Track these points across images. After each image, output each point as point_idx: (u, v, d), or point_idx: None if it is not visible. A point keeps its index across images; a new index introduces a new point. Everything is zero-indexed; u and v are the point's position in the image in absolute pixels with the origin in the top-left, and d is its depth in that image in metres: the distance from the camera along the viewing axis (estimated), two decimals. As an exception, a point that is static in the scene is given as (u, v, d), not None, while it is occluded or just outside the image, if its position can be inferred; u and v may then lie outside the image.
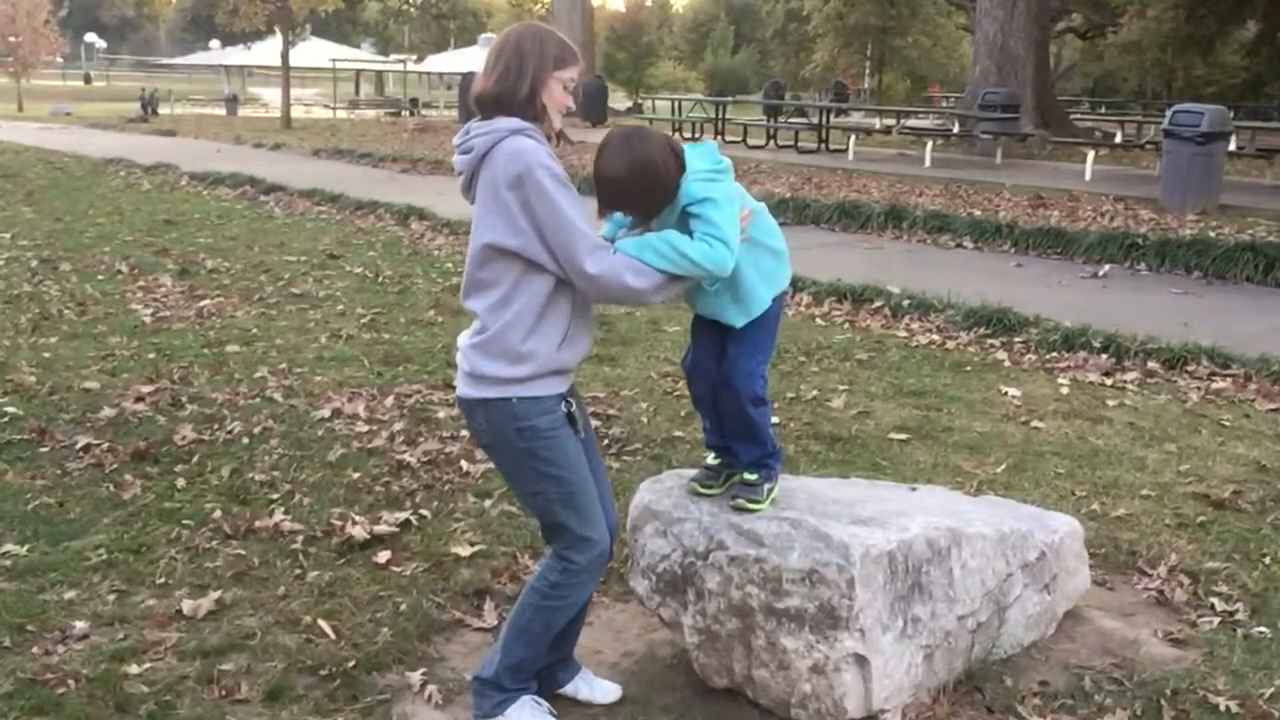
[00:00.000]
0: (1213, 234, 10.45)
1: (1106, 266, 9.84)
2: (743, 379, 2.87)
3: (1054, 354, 6.84)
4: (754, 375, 2.88)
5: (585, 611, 3.06)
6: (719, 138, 22.90)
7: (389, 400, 5.64)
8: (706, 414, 3.05)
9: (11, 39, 41.29)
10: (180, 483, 4.53)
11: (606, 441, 5.07)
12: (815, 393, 5.93)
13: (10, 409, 5.38)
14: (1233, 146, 14.99)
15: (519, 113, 2.63)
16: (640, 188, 2.62)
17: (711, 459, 3.10)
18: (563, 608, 2.81)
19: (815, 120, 22.44)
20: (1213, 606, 3.59)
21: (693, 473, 3.15)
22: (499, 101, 2.64)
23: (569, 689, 3.06)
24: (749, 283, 2.79)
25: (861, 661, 2.76)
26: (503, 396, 2.65)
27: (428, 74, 53.51)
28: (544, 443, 2.69)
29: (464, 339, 2.73)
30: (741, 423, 2.92)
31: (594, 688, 3.07)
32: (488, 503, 4.37)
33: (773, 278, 2.86)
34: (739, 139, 22.13)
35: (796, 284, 8.63)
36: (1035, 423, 5.50)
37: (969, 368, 6.59)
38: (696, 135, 23.40)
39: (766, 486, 2.98)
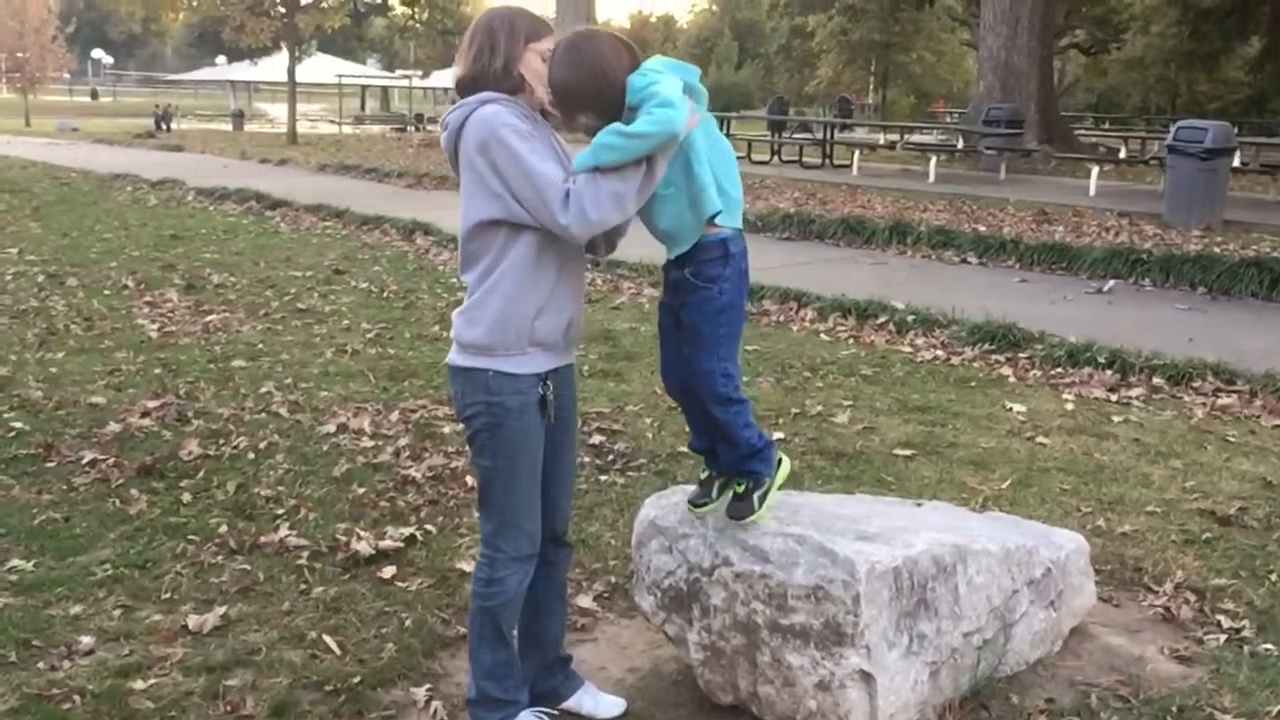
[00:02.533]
0: (1217, 250, 10.46)
1: (1111, 282, 9.85)
2: (702, 379, 2.75)
3: (1059, 370, 6.84)
4: (713, 375, 2.73)
5: (559, 608, 3.04)
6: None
7: (394, 415, 5.65)
8: (686, 416, 2.97)
9: (19, 54, 41.51)
10: (186, 498, 4.54)
11: (611, 457, 5.08)
12: (820, 408, 5.93)
13: (17, 424, 5.39)
14: (1237, 162, 15.02)
15: (495, 87, 2.68)
16: (594, 91, 2.57)
17: (703, 471, 3.01)
18: (502, 602, 2.79)
19: (819, 136, 22.51)
20: (1219, 624, 3.58)
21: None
22: (476, 80, 2.69)
23: (572, 703, 3.05)
24: (703, 179, 2.60)
25: (867, 678, 2.75)
26: (480, 367, 2.68)
27: (433, 89, 53.70)
28: (506, 422, 2.69)
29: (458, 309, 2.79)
30: (712, 425, 2.82)
31: (598, 702, 3.07)
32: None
33: (728, 196, 2.64)
34: (744, 154, 22.17)
35: (801, 299, 8.66)
36: (1040, 439, 5.50)
37: (974, 383, 6.59)
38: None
39: (756, 496, 2.85)
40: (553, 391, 2.74)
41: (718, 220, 2.62)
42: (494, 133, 2.57)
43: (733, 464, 2.88)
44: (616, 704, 3.07)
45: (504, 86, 2.68)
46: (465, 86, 2.70)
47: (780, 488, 2.94)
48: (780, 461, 2.92)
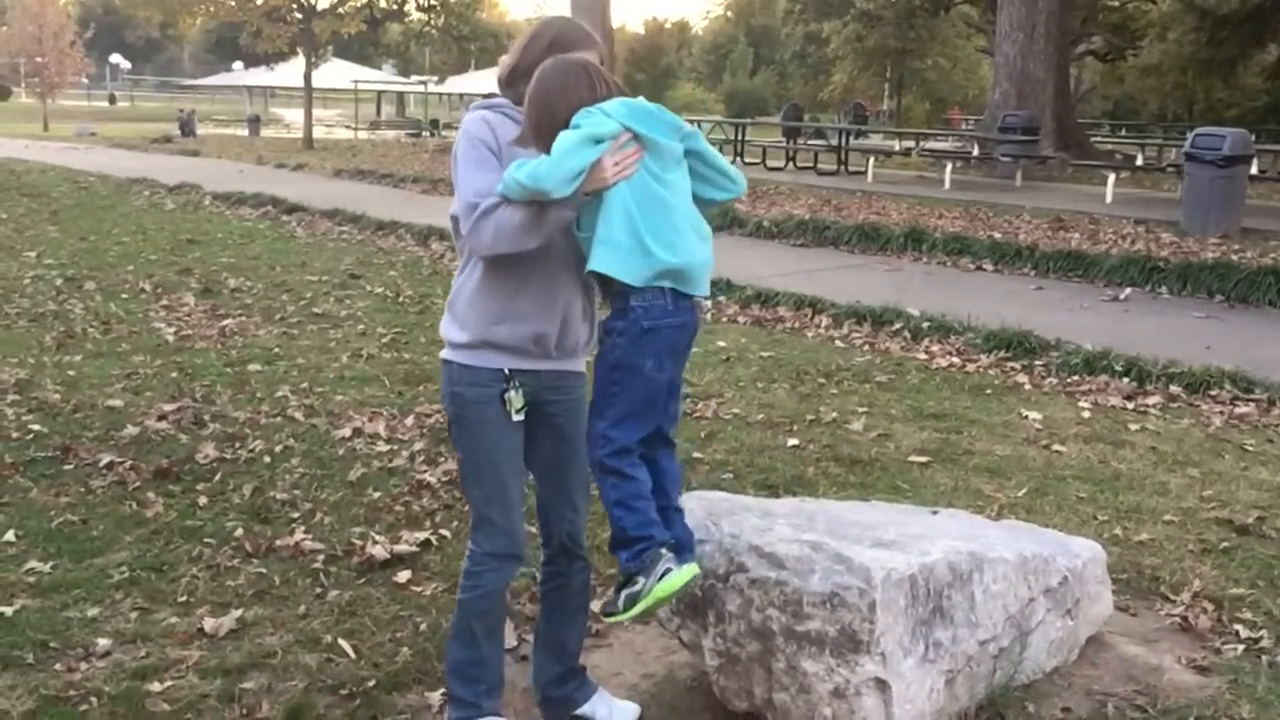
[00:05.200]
0: (1235, 258, 10.41)
1: (1128, 290, 9.81)
2: (590, 441, 2.60)
3: (1075, 377, 6.82)
4: (593, 434, 2.57)
5: (578, 620, 3.04)
6: (738, 159, 22.97)
7: (409, 420, 5.66)
8: None
9: (38, 59, 41.79)
10: (202, 501, 4.55)
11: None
12: (835, 415, 5.92)
13: (35, 426, 5.42)
14: (1254, 170, 14.96)
15: (513, 91, 2.71)
16: (536, 120, 2.54)
17: None
18: (475, 597, 2.81)
19: (834, 142, 22.47)
20: (1237, 633, 3.56)
21: (713, 494, 3.14)
22: (500, 82, 2.77)
23: (586, 709, 3.05)
24: (601, 232, 2.48)
25: (882, 686, 2.74)
26: (448, 359, 2.76)
27: (449, 95, 53.84)
28: (466, 413, 2.75)
29: None
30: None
31: (612, 709, 3.06)
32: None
33: (648, 254, 2.47)
34: (758, 160, 22.17)
35: (816, 305, 8.65)
36: (1056, 446, 5.48)
37: (989, 391, 6.57)
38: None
39: (625, 594, 2.54)
40: (520, 392, 2.72)
41: (614, 276, 2.48)
42: (460, 137, 2.69)
43: (610, 547, 2.66)
44: (630, 711, 3.07)
45: (519, 91, 2.68)
46: (499, 84, 2.77)
47: (676, 593, 2.57)
48: (667, 572, 2.52)
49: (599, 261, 2.48)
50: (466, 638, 2.84)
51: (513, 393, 2.71)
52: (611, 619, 2.65)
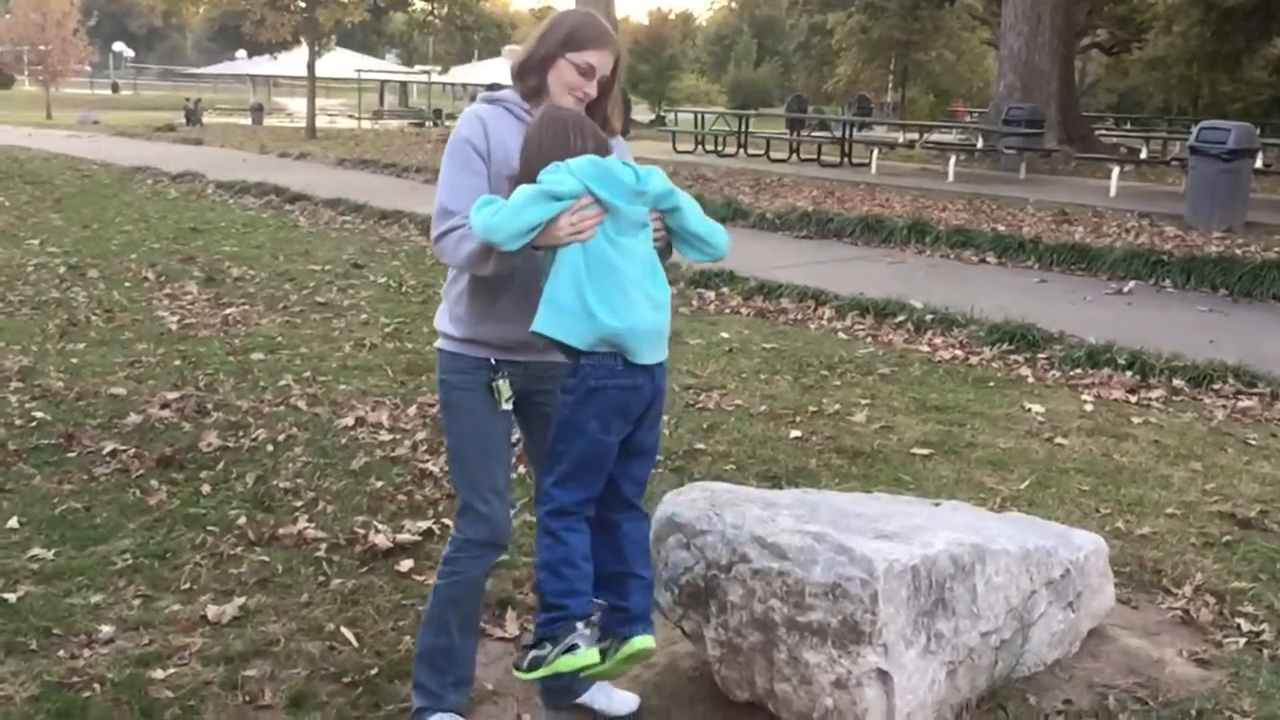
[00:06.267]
0: (1239, 251, 10.40)
1: (1131, 283, 9.79)
2: (536, 496, 2.64)
3: (1078, 370, 6.81)
4: (541, 494, 2.58)
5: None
6: (742, 150, 22.94)
7: (412, 410, 5.67)
8: None
9: (41, 47, 41.76)
10: (205, 489, 4.56)
11: (628, 453, 5.08)
12: (837, 407, 5.92)
13: (38, 414, 5.43)
14: (1259, 164, 14.92)
15: (523, 83, 2.70)
16: (523, 168, 2.54)
17: None
18: (452, 584, 2.82)
19: (838, 134, 22.44)
20: (1239, 627, 3.56)
21: (716, 484, 3.14)
22: (511, 73, 2.75)
23: (586, 699, 3.06)
24: (547, 291, 2.47)
25: (884, 677, 2.75)
26: (440, 348, 2.81)
27: (452, 85, 53.78)
28: (450, 398, 2.78)
29: None
30: None
31: (611, 698, 3.06)
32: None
33: (590, 317, 2.43)
34: (762, 152, 22.14)
35: (819, 297, 8.64)
36: (1059, 439, 5.48)
37: (992, 383, 6.56)
38: (719, 148, 23.43)
39: (530, 655, 2.51)
40: (508, 382, 2.71)
41: (556, 339, 2.46)
42: (453, 134, 2.69)
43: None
44: (630, 701, 3.07)
45: (528, 84, 2.69)
46: (511, 75, 2.75)
47: (581, 672, 2.53)
48: (573, 648, 2.47)
49: (542, 323, 2.47)
50: (439, 625, 2.85)
51: (501, 382, 2.71)
52: (516, 673, 2.60)
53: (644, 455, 2.64)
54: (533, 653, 2.52)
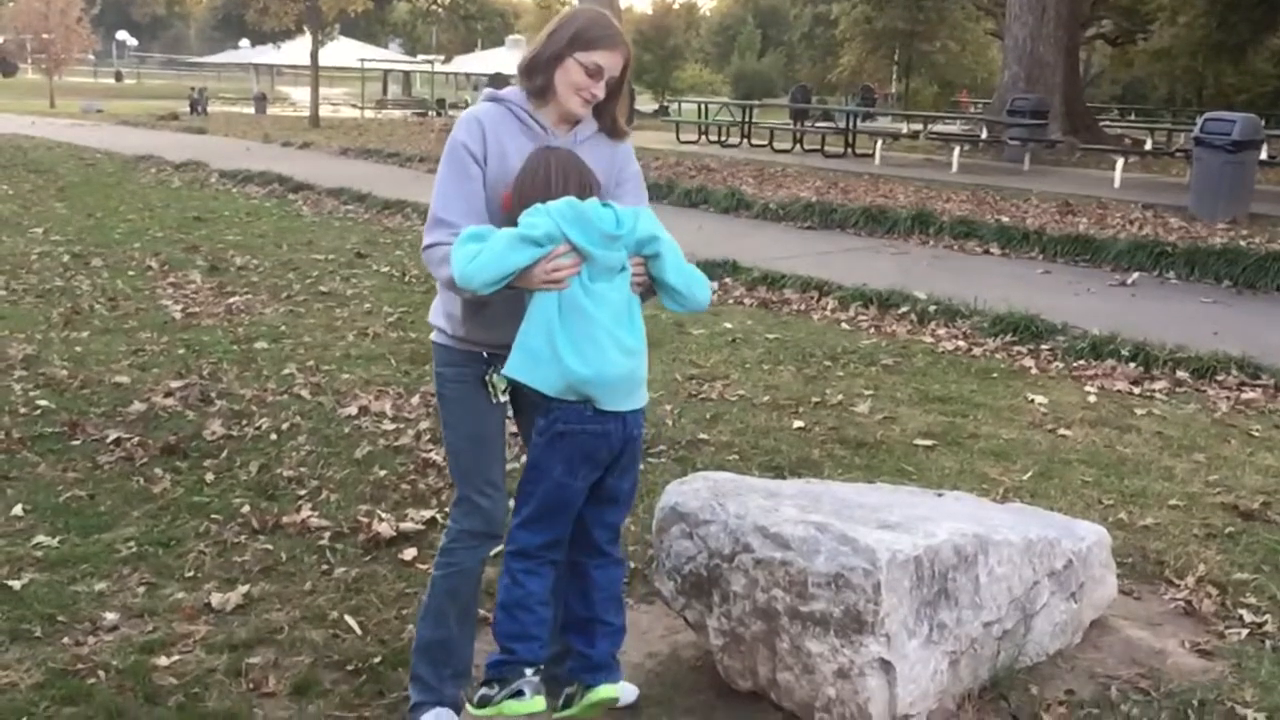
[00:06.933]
0: (1243, 243, 10.37)
1: (1135, 274, 9.78)
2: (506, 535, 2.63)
3: (1081, 362, 6.81)
4: (509, 534, 2.60)
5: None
6: (745, 141, 22.89)
7: (415, 399, 5.67)
8: None
9: (44, 36, 41.73)
10: (209, 478, 4.57)
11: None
12: (841, 397, 5.92)
13: (43, 402, 5.44)
14: (1264, 155, 14.87)
15: (529, 82, 2.66)
16: (512, 209, 2.54)
17: None
18: (448, 575, 2.83)
19: (842, 125, 22.38)
20: (1241, 618, 3.57)
21: (719, 474, 3.15)
22: (518, 70, 2.71)
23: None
24: (518, 337, 2.49)
25: (887, 667, 2.75)
26: (435, 340, 2.81)
27: (455, 74, 53.68)
28: (447, 392, 2.78)
29: None
30: None
31: None
32: (512, 502, 4.38)
33: (558, 363, 2.43)
34: (765, 142, 22.11)
35: (822, 288, 8.64)
36: (1062, 431, 5.48)
37: (995, 374, 6.56)
38: (723, 138, 23.39)
39: (479, 694, 2.52)
40: (503, 375, 2.67)
41: (526, 383, 2.47)
42: (451, 136, 2.67)
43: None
44: (630, 691, 3.04)
45: (535, 84, 2.65)
46: (518, 72, 2.71)
47: (524, 715, 2.51)
48: (519, 693, 2.49)
49: (513, 367, 2.48)
50: (436, 617, 2.85)
51: (495, 376, 2.71)
52: (469, 706, 2.61)
53: (616, 503, 2.63)
54: (481, 689, 2.53)
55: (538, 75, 2.64)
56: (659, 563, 3.16)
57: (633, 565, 3.84)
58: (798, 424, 5.45)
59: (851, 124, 21.92)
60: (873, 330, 7.66)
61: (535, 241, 2.40)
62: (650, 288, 2.57)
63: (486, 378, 2.71)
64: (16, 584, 3.57)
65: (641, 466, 4.74)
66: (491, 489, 2.80)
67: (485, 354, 2.70)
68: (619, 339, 2.47)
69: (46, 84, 40.69)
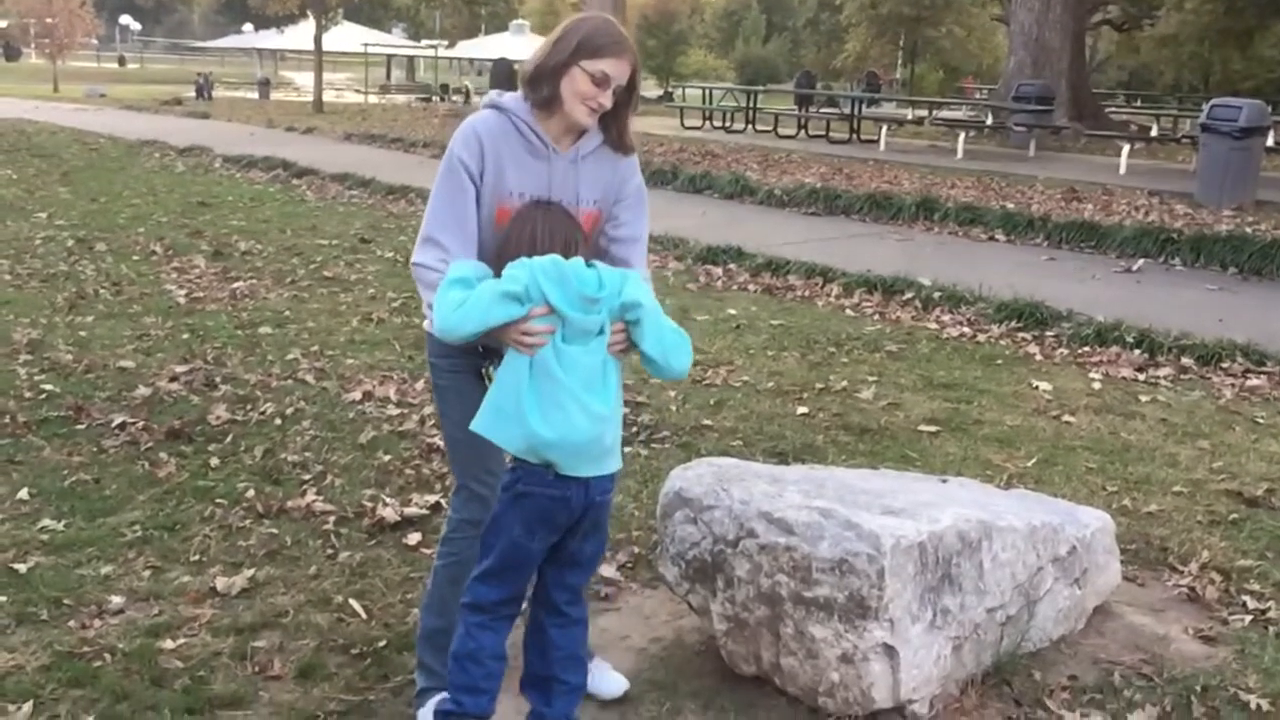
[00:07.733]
0: (1249, 230, 10.35)
1: (1140, 261, 9.76)
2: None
3: (1086, 348, 6.80)
4: (468, 584, 2.61)
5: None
6: (750, 126, 22.84)
7: (419, 384, 5.67)
8: None
9: (48, 20, 41.68)
10: (214, 462, 4.58)
11: (635, 429, 5.08)
12: (845, 384, 5.92)
13: (48, 386, 5.45)
14: (1271, 142, 14.83)
15: (534, 90, 2.62)
16: (500, 249, 2.56)
17: None
18: (450, 564, 2.83)
19: (847, 110, 22.36)
20: (1244, 604, 3.57)
21: (723, 460, 3.14)
22: (521, 79, 2.67)
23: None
24: (488, 396, 2.49)
25: (890, 652, 2.76)
26: (427, 330, 2.79)
27: (458, 60, 53.57)
28: (443, 383, 2.79)
29: None
30: None
31: (600, 680, 2.98)
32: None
33: (523, 426, 2.42)
34: (770, 128, 22.07)
35: (826, 274, 8.63)
36: (1066, 417, 5.47)
37: (1000, 361, 6.56)
38: (727, 124, 23.33)
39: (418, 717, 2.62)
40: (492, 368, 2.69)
41: (492, 440, 2.48)
42: (449, 149, 2.65)
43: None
44: (619, 684, 2.99)
45: (540, 94, 2.61)
46: (521, 82, 2.67)
47: None
48: None
49: (480, 423, 2.47)
50: (439, 606, 2.84)
51: (492, 369, 2.69)
52: None
53: (577, 566, 2.62)
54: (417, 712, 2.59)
55: (543, 85, 2.59)
56: (663, 548, 3.17)
57: (636, 550, 3.85)
58: (802, 410, 5.45)
59: (856, 110, 21.90)
60: (877, 316, 7.66)
61: (515, 297, 2.40)
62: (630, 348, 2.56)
63: (484, 371, 2.70)
64: (22, 567, 3.59)
65: (645, 452, 4.76)
66: (490, 477, 2.78)
67: (480, 347, 2.65)
68: (586, 404, 2.44)
69: (50, 69, 40.65)
